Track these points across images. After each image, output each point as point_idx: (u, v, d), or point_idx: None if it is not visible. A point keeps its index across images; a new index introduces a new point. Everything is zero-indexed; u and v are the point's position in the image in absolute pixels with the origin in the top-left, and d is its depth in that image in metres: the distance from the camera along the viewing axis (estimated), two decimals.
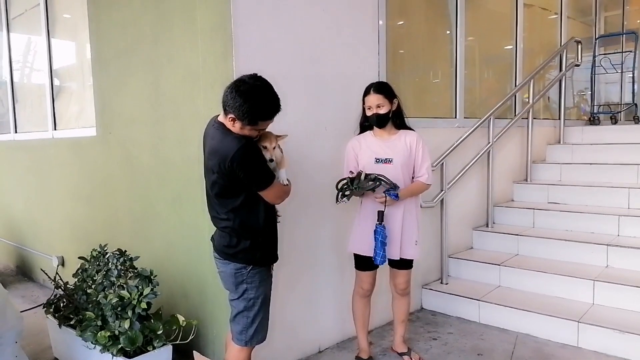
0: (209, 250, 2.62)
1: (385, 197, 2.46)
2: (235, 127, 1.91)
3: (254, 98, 1.86)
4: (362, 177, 2.44)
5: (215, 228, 2.15)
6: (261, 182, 1.96)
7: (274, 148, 2.03)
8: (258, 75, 1.93)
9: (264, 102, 1.89)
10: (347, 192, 2.48)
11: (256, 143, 1.99)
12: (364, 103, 2.62)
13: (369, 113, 2.59)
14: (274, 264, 2.19)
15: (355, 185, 2.44)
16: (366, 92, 2.61)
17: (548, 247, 3.72)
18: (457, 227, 3.96)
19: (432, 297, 3.66)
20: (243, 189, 1.97)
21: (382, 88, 2.58)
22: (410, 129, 2.66)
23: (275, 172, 2.05)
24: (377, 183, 2.43)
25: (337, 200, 2.50)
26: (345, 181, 2.50)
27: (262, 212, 2.04)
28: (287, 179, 2.12)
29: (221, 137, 1.93)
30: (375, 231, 2.50)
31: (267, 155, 2.00)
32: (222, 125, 1.96)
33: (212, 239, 2.18)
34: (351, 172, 2.58)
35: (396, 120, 2.62)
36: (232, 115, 1.89)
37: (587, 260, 3.53)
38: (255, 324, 2.09)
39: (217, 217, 2.09)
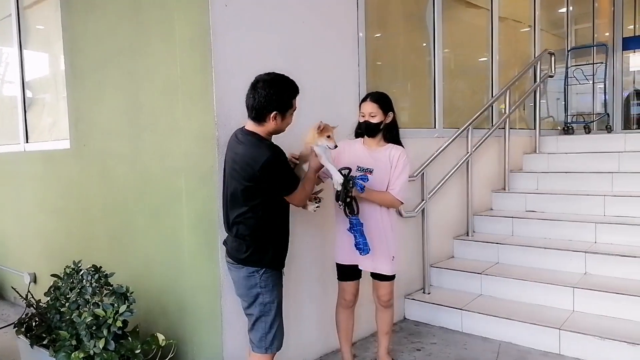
0: (188, 265, 2.58)
1: (351, 181, 2.30)
2: (277, 122, 2.06)
3: (277, 83, 2.06)
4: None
5: (226, 234, 2.22)
6: (289, 187, 2.11)
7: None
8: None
9: (287, 81, 2.09)
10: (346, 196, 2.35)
11: (282, 151, 2.09)
12: (360, 110, 2.63)
13: (360, 119, 2.61)
14: (284, 270, 2.27)
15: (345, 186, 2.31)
16: (363, 100, 2.64)
17: (527, 255, 3.76)
18: (438, 236, 3.97)
19: (414, 307, 3.65)
20: (263, 194, 2.06)
21: (378, 98, 2.59)
22: (400, 144, 2.64)
23: (301, 169, 2.21)
24: (349, 171, 2.32)
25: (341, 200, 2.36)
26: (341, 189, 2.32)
27: (279, 217, 2.17)
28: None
29: (252, 143, 2.06)
30: (350, 223, 2.41)
31: (332, 144, 2.16)
32: (252, 132, 2.09)
33: (225, 243, 2.25)
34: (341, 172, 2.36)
35: (387, 133, 2.61)
36: (275, 112, 2.03)
37: (566, 267, 3.58)
38: (273, 329, 2.16)
39: (233, 221, 2.12)
